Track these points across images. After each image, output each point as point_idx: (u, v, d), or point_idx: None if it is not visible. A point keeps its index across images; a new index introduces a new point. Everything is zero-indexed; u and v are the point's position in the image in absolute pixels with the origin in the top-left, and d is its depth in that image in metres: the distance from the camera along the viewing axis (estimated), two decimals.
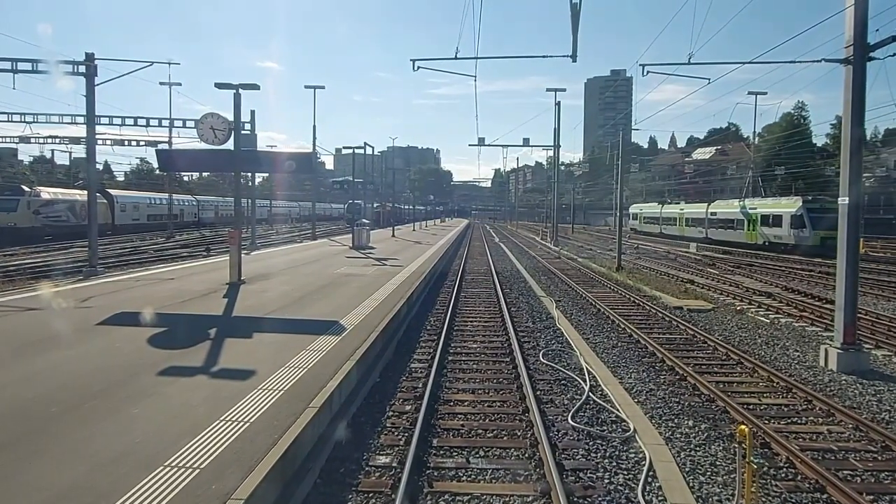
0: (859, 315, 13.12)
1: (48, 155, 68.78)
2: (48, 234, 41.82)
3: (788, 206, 41.45)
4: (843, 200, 12.02)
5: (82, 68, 19.67)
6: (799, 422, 8.85)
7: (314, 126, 70.21)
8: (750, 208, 46.12)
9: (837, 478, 6.73)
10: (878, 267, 30.82)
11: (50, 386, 7.27)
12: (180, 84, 58.87)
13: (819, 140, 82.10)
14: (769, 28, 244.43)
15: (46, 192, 44.67)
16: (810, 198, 41.84)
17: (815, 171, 72.11)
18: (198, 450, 5.53)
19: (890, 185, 76.95)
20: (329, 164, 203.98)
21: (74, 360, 8.51)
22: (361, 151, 44.89)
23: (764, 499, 6.31)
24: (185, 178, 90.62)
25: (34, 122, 26.78)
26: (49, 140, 39.49)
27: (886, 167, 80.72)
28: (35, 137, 33.45)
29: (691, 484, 6.59)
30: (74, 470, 5.06)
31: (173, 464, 5.22)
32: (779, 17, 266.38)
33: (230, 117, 16.44)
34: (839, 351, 11.81)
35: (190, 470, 5.12)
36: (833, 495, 6.45)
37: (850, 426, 8.53)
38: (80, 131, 28.11)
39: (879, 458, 7.57)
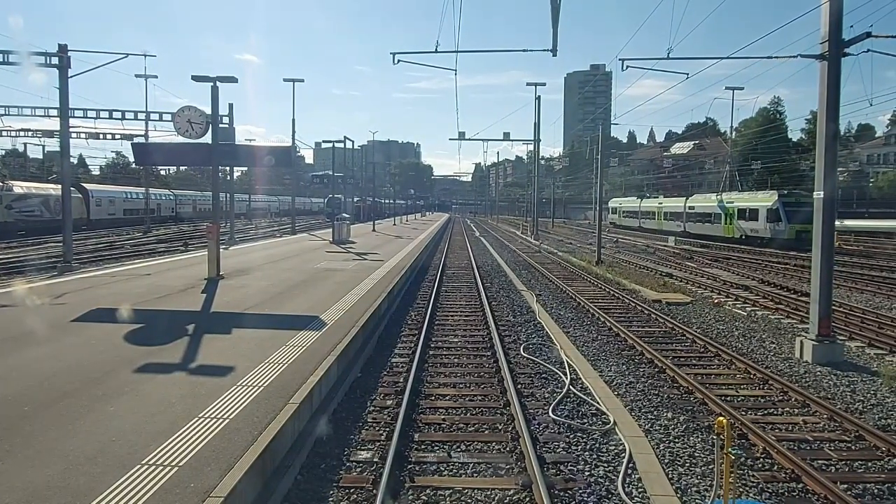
0: (834, 307, 13.33)
1: (20, 148, 67.25)
2: (21, 229, 40.99)
3: (764, 200, 42.01)
4: (818, 195, 12.20)
5: (55, 60, 19.30)
6: (775, 413, 8.98)
7: (293, 120, 69.67)
8: (727, 202, 46.67)
9: (813, 467, 6.85)
10: (851, 260, 31.41)
11: (23, 384, 7.13)
12: (156, 77, 57.85)
13: (794, 135, 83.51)
14: (746, 24, 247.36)
15: (19, 187, 43.74)
16: (786, 192, 42.42)
17: (790, 166, 73.26)
18: (176, 448, 5.45)
19: (863, 179, 78.51)
20: (309, 159, 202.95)
21: (48, 357, 8.35)
22: (341, 146, 44.54)
23: (742, 489, 6.40)
24: (162, 173, 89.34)
25: (6, 114, 26.03)
26: (21, 133, 38.57)
27: (859, 162, 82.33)
28: (7, 130, 32.61)
29: (671, 475, 6.66)
30: (49, 469, 4.96)
31: (150, 462, 5.15)
32: (755, 14, 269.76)
33: (208, 110, 16.22)
34: (814, 343, 12.00)
35: (168, 468, 5.05)
36: (808, 484, 6.55)
37: (825, 416, 8.68)
38: (54, 124, 27.51)
39: (853, 447, 7.71)
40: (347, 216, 39.25)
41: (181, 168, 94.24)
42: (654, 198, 67.80)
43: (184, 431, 5.83)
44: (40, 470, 4.96)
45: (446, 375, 10.26)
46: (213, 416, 6.26)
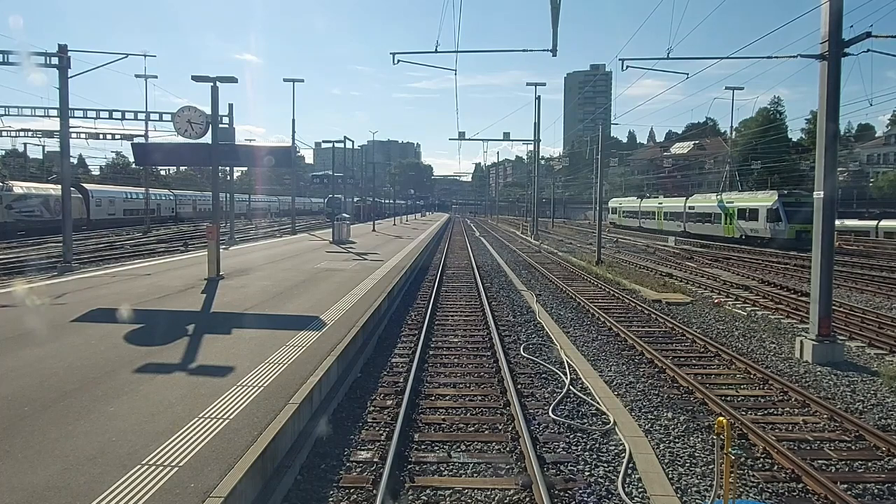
0: (834, 307, 13.33)
1: (20, 148, 67.25)
2: (21, 229, 41.01)
3: (764, 199, 42.00)
4: (818, 195, 12.20)
5: (55, 60, 19.31)
6: (775, 413, 8.98)
7: (293, 120, 69.70)
8: (727, 202, 46.66)
9: (813, 467, 6.85)
10: (851, 260, 31.39)
11: (23, 384, 7.13)
12: (156, 77, 57.84)
13: (794, 135, 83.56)
14: (746, 24, 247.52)
15: (19, 187, 43.73)
16: (786, 192, 42.41)
17: (790, 165, 73.28)
18: (176, 448, 5.45)
19: (863, 179, 78.52)
20: (309, 159, 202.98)
21: (48, 357, 8.35)
22: (341, 146, 44.54)
23: (742, 489, 6.39)
24: (162, 173, 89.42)
25: (6, 114, 26.03)
26: (21, 133, 38.57)
27: (859, 161, 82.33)
28: (7, 131, 32.61)
29: (671, 475, 6.66)
30: (49, 469, 4.96)
31: (151, 462, 5.15)
32: (755, 14, 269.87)
33: (207, 110, 16.22)
34: (814, 343, 12.00)
35: (168, 468, 5.05)
36: (808, 485, 6.55)
37: (825, 416, 8.67)
38: (54, 124, 27.52)
39: (853, 447, 7.71)
40: (347, 216, 39.27)
41: (181, 168, 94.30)
42: (654, 198, 67.79)
43: (184, 432, 5.82)
44: (40, 470, 4.96)
45: (446, 375, 10.26)
46: (213, 416, 6.26)
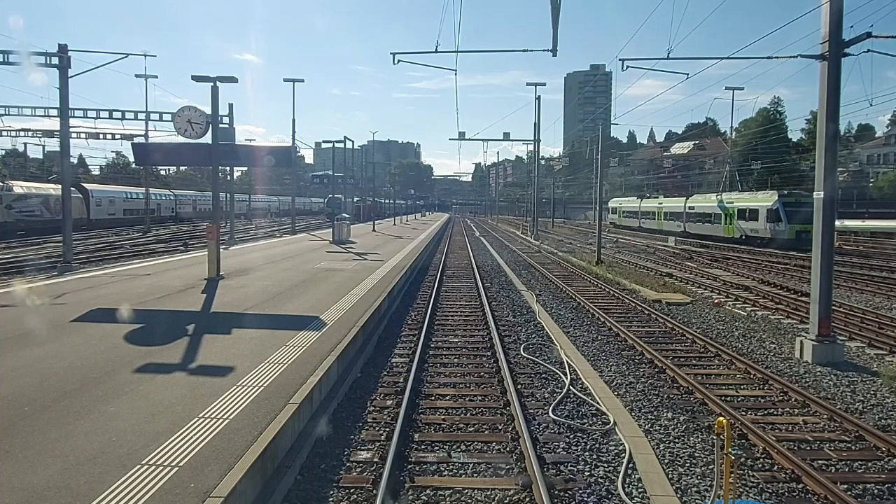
0: (834, 307, 13.33)
1: (20, 148, 67.19)
2: (21, 229, 41.01)
3: (764, 200, 42.00)
4: (818, 195, 12.20)
5: (55, 60, 19.31)
6: (775, 413, 8.98)
7: (293, 120, 69.77)
8: (727, 202, 46.65)
9: (813, 467, 6.85)
10: (851, 260, 31.39)
11: (23, 384, 7.13)
12: (156, 77, 57.90)
13: (794, 135, 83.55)
14: (746, 24, 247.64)
15: (19, 187, 43.73)
16: (786, 192, 42.40)
17: (790, 166, 73.30)
18: (176, 448, 5.45)
19: (863, 179, 78.52)
20: (309, 159, 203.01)
21: (48, 357, 8.35)
22: (341, 146, 44.54)
23: (742, 489, 6.39)
24: (162, 173, 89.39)
25: (6, 114, 26.06)
26: (21, 133, 38.63)
27: (859, 162, 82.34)
28: (7, 130, 32.63)
29: (671, 475, 6.66)
30: (49, 469, 4.96)
31: (151, 462, 5.15)
32: (755, 14, 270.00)
33: (208, 110, 16.22)
34: (814, 343, 12.00)
35: (168, 468, 5.05)
36: (808, 485, 6.55)
37: (825, 417, 8.67)
38: (54, 124, 27.59)
39: (853, 447, 7.71)
40: (347, 216, 39.28)
41: (181, 168, 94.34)
42: (654, 198, 67.76)
43: (184, 432, 5.82)
44: (40, 470, 4.95)
45: (446, 375, 10.26)
46: (213, 416, 6.26)
